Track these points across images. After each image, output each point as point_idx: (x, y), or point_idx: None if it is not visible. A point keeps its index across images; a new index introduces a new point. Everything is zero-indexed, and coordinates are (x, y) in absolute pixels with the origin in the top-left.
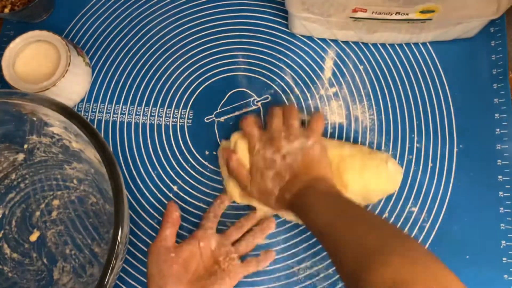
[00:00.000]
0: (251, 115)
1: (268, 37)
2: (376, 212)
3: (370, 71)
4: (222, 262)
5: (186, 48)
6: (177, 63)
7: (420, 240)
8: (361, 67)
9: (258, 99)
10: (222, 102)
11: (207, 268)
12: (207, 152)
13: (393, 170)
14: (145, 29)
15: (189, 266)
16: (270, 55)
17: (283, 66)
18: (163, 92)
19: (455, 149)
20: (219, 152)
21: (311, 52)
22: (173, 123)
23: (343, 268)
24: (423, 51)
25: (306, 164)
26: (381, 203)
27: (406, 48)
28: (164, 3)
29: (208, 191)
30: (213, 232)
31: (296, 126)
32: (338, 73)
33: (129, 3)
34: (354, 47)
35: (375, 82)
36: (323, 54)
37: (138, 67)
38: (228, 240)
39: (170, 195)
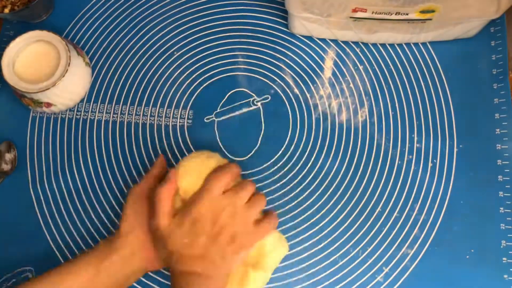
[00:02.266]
0: (235, 166)
1: (268, 37)
2: (377, 213)
3: (370, 71)
4: None
5: (186, 48)
6: (177, 63)
7: (420, 240)
8: (361, 67)
9: (258, 99)
10: (222, 102)
11: None
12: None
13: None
14: (145, 29)
15: None
16: (270, 55)
17: (283, 66)
18: (163, 92)
19: (455, 149)
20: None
21: (311, 52)
22: (173, 123)
23: None
24: (423, 51)
25: (235, 260)
26: (381, 203)
27: (406, 48)
28: (164, 3)
29: None
30: None
31: (252, 218)
32: (338, 73)
33: (129, 3)
34: (354, 47)
35: (375, 82)
36: (323, 54)
37: (138, 67)
38: None
39: None
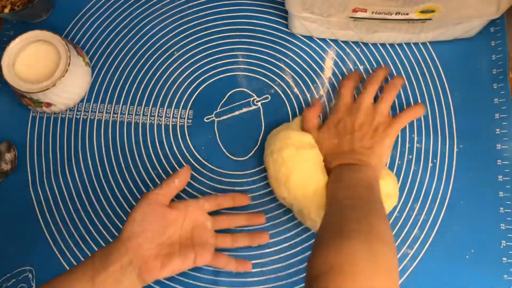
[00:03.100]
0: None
1: (268, 37)
2: None
3: (370, 71)
4: (196, 242)
5: (186, 48)
6: (177, 63)
7: (420, 240)
8: (361, 67)
9: (258, 99)
10: (222, 102)
11: (181, 239)
12: (204, 150)
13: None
14: (145, 29)
15: (168, 229)
16: (270, 55)
17: (283, 66)
18: (163, 92)
19: (455, 149)
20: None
21: (311, 52)
22: (173, 123)
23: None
24: (423, 51)
25: (381, 147)
26: None
27: (406, 48)
28: (164, 3)
29: (207, 190)
30: (205, 210)
31: (383, 112)
32: (338, 73)
33: (129, 3)
34: (354, 47)
35: None
36: (323, 54)
37: (138, 67)
38: (214, 227)
39: None
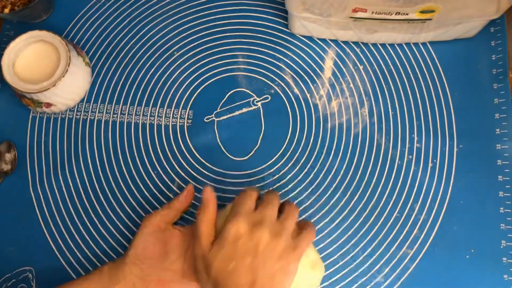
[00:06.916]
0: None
1: (268, 37)
2: (376, 212)
3: (370, 71)
4: None
5: (186, 48)
6: (177, 63)
7: (420, 240)
8: (361, 67)
9: (258, 99)
10: (222, 102)
11: (184, 266)
12: (204, 150)
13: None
14: (145, 29)
15: (171, 254)
16: (270, 55)
17: (283, 66)
18: (163, 92)
19: (455, 149)
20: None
21: (311, 52)
22: (173, 123)
23: None
24: (423, 51)
25: (287, 279)
26: (381, 203)
27: (406, 48)
28: (164, 3)
29: None
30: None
31: (290, 230)
32: (338, 73)
33: (129, 3)
34: (354, 47)
35: (375, 82)
36: (323, 54)
37: (138, 67)
38: None
39: (170, 195)
